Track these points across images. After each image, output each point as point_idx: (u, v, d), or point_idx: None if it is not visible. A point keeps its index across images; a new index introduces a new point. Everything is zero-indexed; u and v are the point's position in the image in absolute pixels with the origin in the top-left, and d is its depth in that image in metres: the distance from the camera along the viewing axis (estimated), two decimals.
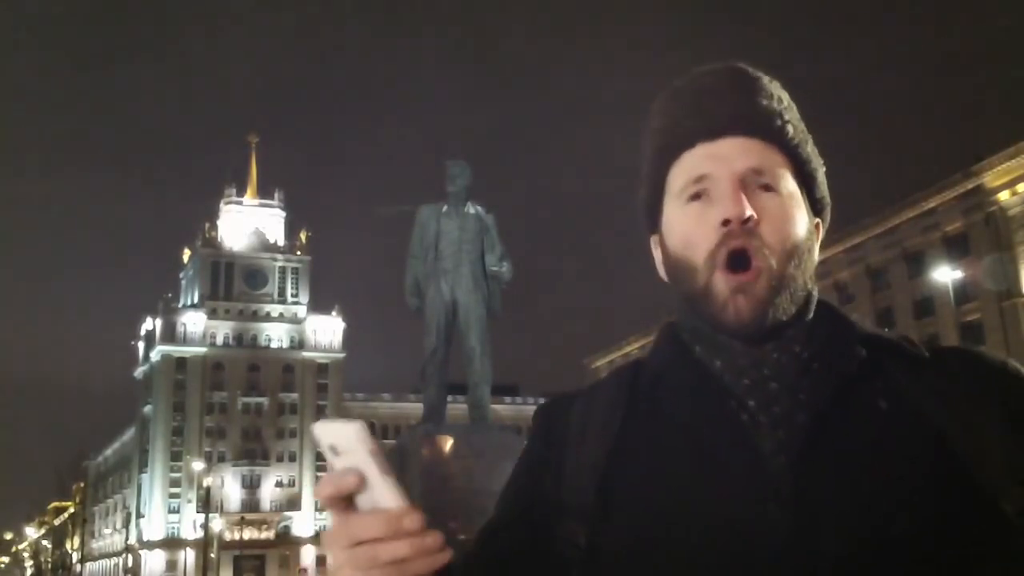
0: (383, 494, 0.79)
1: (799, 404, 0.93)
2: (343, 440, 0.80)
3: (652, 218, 1.07)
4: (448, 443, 8.82)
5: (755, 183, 0.96)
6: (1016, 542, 0.85)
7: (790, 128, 1.00)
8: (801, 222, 0.98)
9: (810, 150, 1.03)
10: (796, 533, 0.86)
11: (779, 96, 1.02)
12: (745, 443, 0.92)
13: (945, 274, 36.62)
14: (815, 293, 1.02)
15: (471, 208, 9.39)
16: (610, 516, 0.94)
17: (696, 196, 0.98)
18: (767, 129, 0.99)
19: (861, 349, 0.96)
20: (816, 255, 1.02)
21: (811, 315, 0.99)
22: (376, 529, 0.79)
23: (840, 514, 0.86)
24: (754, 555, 0.86)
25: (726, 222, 0.94)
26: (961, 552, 0.84)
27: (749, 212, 0.94)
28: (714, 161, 0.97)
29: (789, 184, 0.98)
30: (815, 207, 1.04)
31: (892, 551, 0.84)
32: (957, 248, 44.63)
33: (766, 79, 1.03)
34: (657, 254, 1.07)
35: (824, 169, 1.05)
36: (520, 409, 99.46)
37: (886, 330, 1.03)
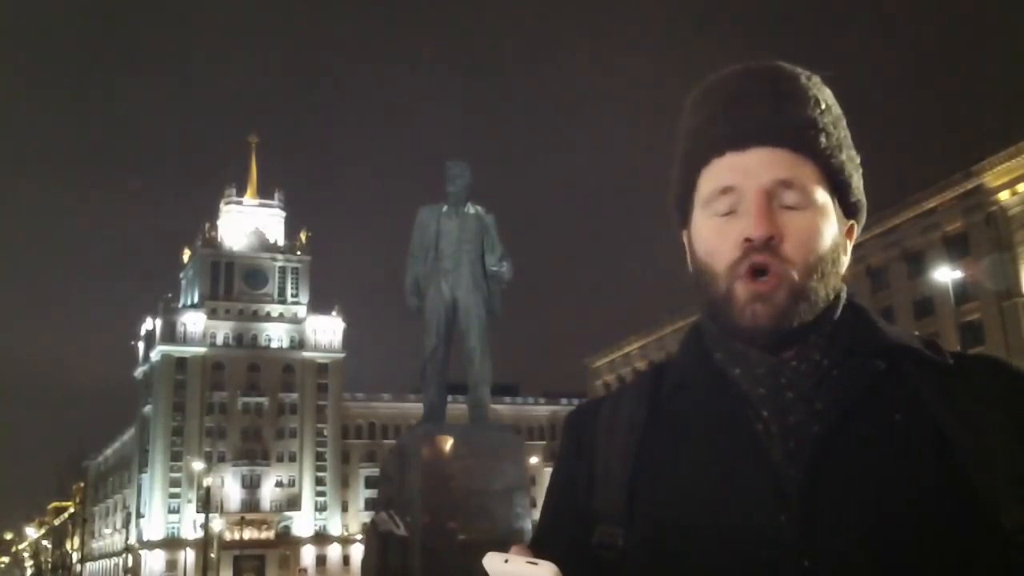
0: None
1: (814, 414, 0.94)
2: None
3: (683, 215, 1.06)
4: (448, 443, 8.82)
5: (781, 199, 0.96)
6: (1014, 559, 0.86)
7: (823, 138, 0.98)
8: (828, 235, 0.97)
9: (844, 158, 1.00)
10: (802, 546, 0.88)
11: (816, 99, 0.99)
12: (758, 453, 0.94)
13: (945, 274, 36.54)
14: (843, 296, 1.02)
15: (471, 208, 9.40)
16: (635, 524, 0.97)
17: (722, 210, 0.98)
18: (798, 140, 0.97)
19: (881, 360, 0.97)
20: (847, 258, 1.02)
21: (835, 320, 0.99)
22: None
23: (845, 529, 0.88)
24: (764, 565, 0.89)
25: (748, 240, 0.95)
26: (961, 570, 0.86)
27: (771, 232, 0.94)
28: (741, 173, 0.97)
29: (818, 196, 0.97)
30: (848, 211, 1.03)
31: (894, 568, 0.86)
32: (957, 248, 44.60)
33: (804, 80, 1.00)
34: (688, 249, 1.06)
35: (860, 171, 1.04)
36: (520, 409, 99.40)
37: (916, 333, 1.03)
